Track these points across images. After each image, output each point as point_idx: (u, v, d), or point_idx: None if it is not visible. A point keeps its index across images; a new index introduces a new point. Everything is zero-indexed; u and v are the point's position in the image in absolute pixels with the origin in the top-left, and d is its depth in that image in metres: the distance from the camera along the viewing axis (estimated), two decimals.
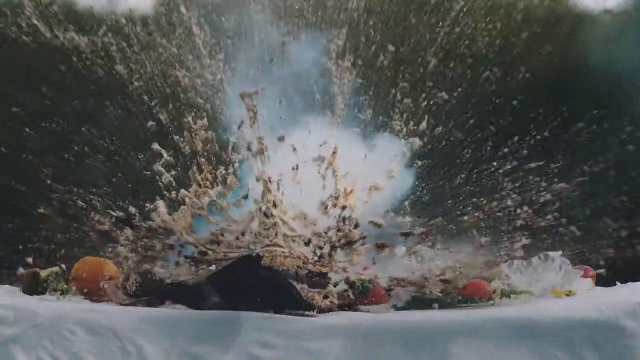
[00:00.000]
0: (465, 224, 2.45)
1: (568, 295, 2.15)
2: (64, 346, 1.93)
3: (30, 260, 2.35)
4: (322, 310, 1.99)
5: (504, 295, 2.13)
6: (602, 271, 2.35)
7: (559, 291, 2.16)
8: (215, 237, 2.27)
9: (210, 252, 2.23)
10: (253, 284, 1.98)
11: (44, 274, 2.25)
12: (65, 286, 2.17)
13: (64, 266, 2.27)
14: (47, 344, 1.93)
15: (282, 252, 2.15)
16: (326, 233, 2.28)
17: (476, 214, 2.46)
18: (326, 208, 2.32)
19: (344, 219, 2.31)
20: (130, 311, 1.99)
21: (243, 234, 2.26)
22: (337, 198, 2.34)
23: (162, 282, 2.01)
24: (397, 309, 2.10)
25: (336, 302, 2.00)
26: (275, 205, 2.27)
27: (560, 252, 2.24)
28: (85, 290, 2.12)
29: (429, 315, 2.03)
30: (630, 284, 2.27)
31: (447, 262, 2.22)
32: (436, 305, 2.08)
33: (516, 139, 2.57)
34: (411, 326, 1.93)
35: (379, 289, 2.13)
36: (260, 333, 1.91)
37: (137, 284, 2.02)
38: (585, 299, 2.11)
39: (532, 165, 2.50)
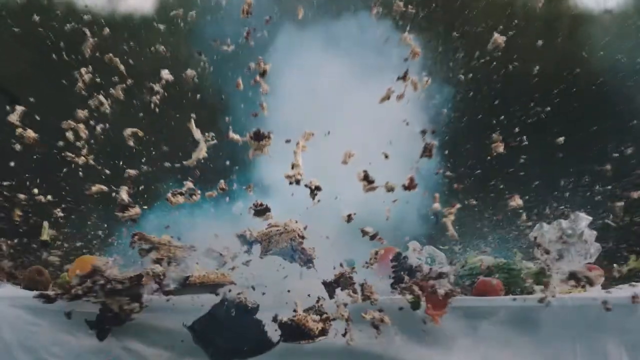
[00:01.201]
0: None
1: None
2: (64, 343, 1.95)
3: None
4: (317, 336, 1.90)
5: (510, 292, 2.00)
6: None
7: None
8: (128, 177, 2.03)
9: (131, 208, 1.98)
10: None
11: (44, 235, 2.25)
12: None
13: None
14: (47, 342, 1.95)
15: (277, 230, 2.03)
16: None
17: None
18: (388, 97, 1.95)
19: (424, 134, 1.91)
20: None
21: (197, 173, 2.06)
22: (404, 76, 1.93)
23: None
24: None
25: (328, 327, 1.88)
26: (263, 74, 2.05)
27: (591, 218, 2.06)
28: None
29: None
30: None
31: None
32: None
33: None
34: None
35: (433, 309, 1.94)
36: None
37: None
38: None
39: None
